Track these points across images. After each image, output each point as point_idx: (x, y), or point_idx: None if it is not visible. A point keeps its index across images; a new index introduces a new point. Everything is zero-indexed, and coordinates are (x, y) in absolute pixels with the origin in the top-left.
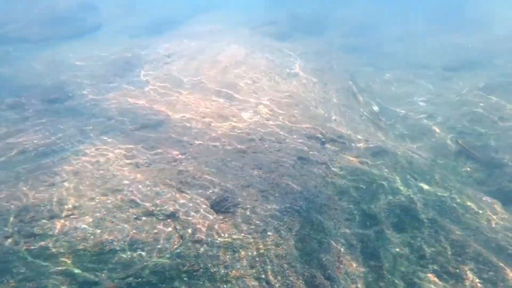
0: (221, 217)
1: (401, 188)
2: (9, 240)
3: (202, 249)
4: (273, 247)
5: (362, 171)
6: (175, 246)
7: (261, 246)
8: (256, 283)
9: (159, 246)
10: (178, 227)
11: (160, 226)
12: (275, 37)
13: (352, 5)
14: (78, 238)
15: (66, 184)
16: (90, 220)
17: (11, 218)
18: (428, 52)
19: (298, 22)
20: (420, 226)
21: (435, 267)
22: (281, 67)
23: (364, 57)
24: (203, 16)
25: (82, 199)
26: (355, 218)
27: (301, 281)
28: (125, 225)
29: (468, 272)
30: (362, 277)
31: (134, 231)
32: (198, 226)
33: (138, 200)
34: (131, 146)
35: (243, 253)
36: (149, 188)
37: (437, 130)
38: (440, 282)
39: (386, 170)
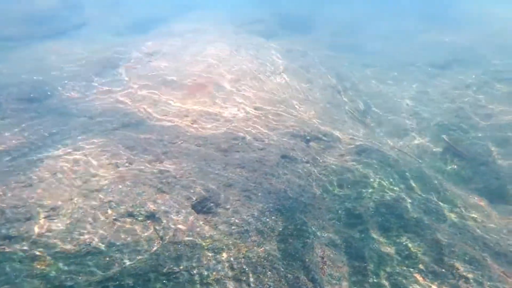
0: (202, 217)
1: (387, 186)
2: None
3: (182, 251)
4: (255, 248)
5: (347, 170)
6: (155, 248)
7: (242, 248)
8: (237, 285)
9: (138, 248)
10: (158, 228)
11: (140, 227)
12: (261, 35)
13: (340, 3)
14: (55, 240)
15: (43, 184)
16: (68, 221)
17: None
18: (415, 49)
19: (285, 20)
20: (405, 225)
21: (421, 267)
22: (266, 65)
23: (351, 55)
24: (188, 14)
25: (59, 200)
26: (340, 217)
27: (283, 283)
28: (104, 227)
29: (455, 271)
30: (347, 278)
31: (112, 232)
32: (179, 227)
33: (118, 201)
34: (111, 145)
35: (224, 254)
36: (128, 188)
37: (424, 128)
38: (426, 282)
39: (372, 168)
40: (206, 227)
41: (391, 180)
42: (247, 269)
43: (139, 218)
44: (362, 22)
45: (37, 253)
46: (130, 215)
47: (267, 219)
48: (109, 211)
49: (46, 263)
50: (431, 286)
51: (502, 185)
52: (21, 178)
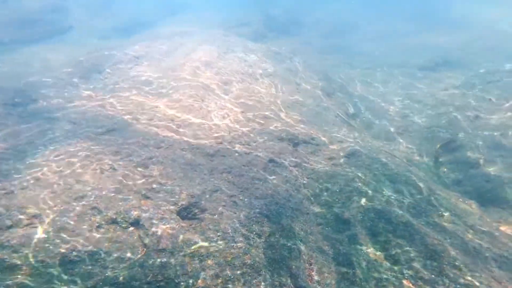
0: (187, 224)
1: (375, 190)
2: None
3: (166, 259)
4: (241, 255)
5: (335, 174)
6: (139, 256)
7: (228, 255)
8: None
9: (121, 256)
10: (142, 236)
11: (123, 235)
12: (249, 38)
13: (329, 5)
14: (37, 249)
15: (25, 191)
16: (50, 229)
17: None
18: (405, 51)
19: (273, 22)
20: (394, 230)
21: (410, 273)
22: (254, 67)
23: (340, 56)
24: (176, 17)
25: (42, 207)
26: (328, 222)
27: None
28: (87, 234)
29: (445, 277)
30: (334, 284)
31: (95, 240)
32: (163, 234)
33: (101, 208)
34: (96, 151)
35: (209, 262)
36: (113, 194)
37: (413, 130)
38: None
39: (360, 172)
40: (191, 234)
41: (380, 184)
42: (232, 277)
43: (123, 225)
44: (351, 23)
45: (18, 262)
46: (114, 222)
47: (254, 225)
48: (92, 218)
49: (27, 273)
50: None
51: (492, 188)
52: (2, 184)
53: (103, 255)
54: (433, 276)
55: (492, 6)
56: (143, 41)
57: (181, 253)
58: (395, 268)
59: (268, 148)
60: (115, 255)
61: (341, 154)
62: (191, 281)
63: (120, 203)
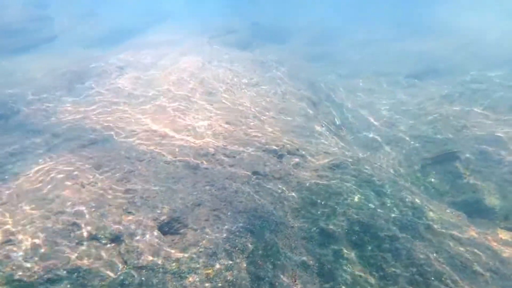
0: (169, 239)
1: (361, 203)
2: None
3: (147, 276)
4: (223, 271)
5: (320, 186)
6: (118, 273)
7: (210, 271)
8: None
9: (101, 274)
10: (122, 252)
11: (104, 251)
12: (235, 46)
13: (316, 13)
14: (14, 268)
15: (3, 207)
16: (29, 246)
17: None
18: (391, 59)
19: (259, 30)
20: (380, 244)
21: None
22: (240, 77)
23: (326, 64)
24: (161, 25)
25: (21, 223)
26: (313, 236)
27: None
28: (66, 251)
29: None
30: None
31: (75, 257)
32: (144, 250)
33: (81, 223)
34: (77, 164)
35: (190, 279)
36: (93, 209)
37: (400, 140)
38: None
39: (346, 184)
40: (173, 250)
41: (365, 196)
42: None
43: (103, 241)
44: (337, 31)
45: None
46: (94, 238)
47: (237, 240)
48: (72, 235)
49: None
50: None
51: (479, 198)
52: None
53: (82, 272)
54: None
55: (478, 13)
56: (128, 50)
57: (162, 270)
58: (381, 283)
59: (252, 160)
60: (95, 272)
61: (327, 165)
62: None
63: (101, 219)
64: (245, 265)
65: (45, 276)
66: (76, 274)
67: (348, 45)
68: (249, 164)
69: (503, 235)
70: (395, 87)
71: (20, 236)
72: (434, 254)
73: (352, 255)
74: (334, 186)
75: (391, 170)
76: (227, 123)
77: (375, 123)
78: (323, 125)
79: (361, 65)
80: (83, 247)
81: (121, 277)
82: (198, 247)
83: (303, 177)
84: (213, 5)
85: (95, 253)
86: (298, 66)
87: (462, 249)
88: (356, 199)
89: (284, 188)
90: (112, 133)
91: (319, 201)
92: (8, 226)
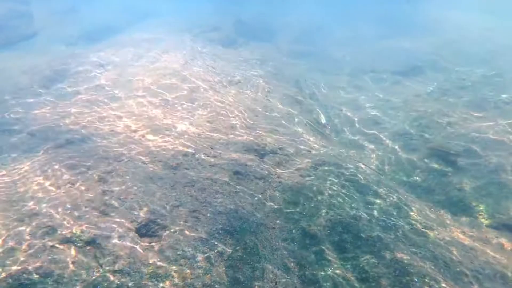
0: (146, 242)
1: (344, 202)
2: None
3: (122, 280)
4: (202, 275)
5: (303, 186)
6: (93, 277)
7: (188, 275)
8: None
9: (75, 278)
10: (98, 255)
11: (79, 255)
12: (219, 44)
13: (300, 10)
14: None
15: None
16: (0, 250)
17: None
18: (377, 56)
19: (244, 27)
20: (363, 245)
21: None
22: (222, 75)
23: (311, 62)
24: (144, 23)
25: None
26: (294, 238)
27: None
28: (40, 255)
29: None
30: None
31: (49, 261)
32: (120, 253)
33: (56, 226)
34: (53, 165)
35: (167, 283)
36: (69, 211)
37: (385, 138)
38: None
39: (329, 183)
40: (150, 253)
41: (349, 195)
42: None
43: (78, 245)
44: (323, 28)
45: None
46: (69, 241)
47: (216, 242)
48: (46, 238)
49: None
50: None
51: (464, 196)
52: None
53: (56, 277)
54: None
55: (464, 11)
56: (109, 48)
57: (139, 274)
58: (363, 286)
59: (234, 159)
60: (69, 277)
61: (309, 164)
62: None
63: (76, 221)
64: (223, 268)
65: (17, 281)
66: (49, 278)
67: (334, 42)
68: (230, 164)
69: (488, 234)
70: (380, 84)
71: None
72: (418, 255)
73: (334, 256)
74: (317, 186)
75: (375, 169)
76: (208, 122)
77: (360, 120)
78: (307, 123)
79: (347, 62)
80: (58, 251)
81: (96, 282)
82: (176, 250)
83: (286, 176)
84: (197, 2)
85: (69, 257)
86: (282, 64)
87: (446, 249)
88: (339, 199)
89: (265, 188)
90: (90, 132)
91: (301, 201)
92: None
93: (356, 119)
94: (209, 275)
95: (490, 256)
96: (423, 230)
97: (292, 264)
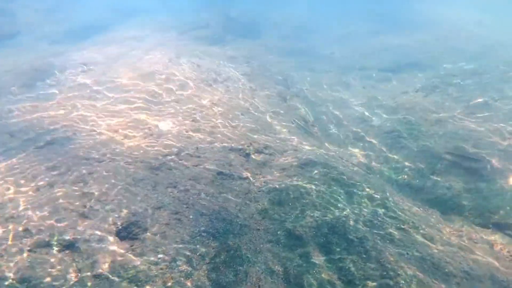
0: (127, 245)
1: (330, 203)
2: None
3: (101, 285)
4: (183, 279)
5: (289, 186)
6: (71, 282)
7: (168, 279)
8: None
9: (54, 283)
10: (77, 259)
11: (57, 259)
12: (207, 41)
13: (289, 6)
14: None
15: None
16: None
17: None
18: (367, 53)
19: (232, 25)
20: (349, 246)
21: None
22: (208, 73)
23: (300, 60)
24: (130, 21)
25: None
26: (279, 239)
27: None
28: (16, 259)
29: None
30: None
31: (26, 266)
32: (100, 257)
33: (33, 229)
34: (32, 166)
35: (148, 287)
36: (47, 214)
37: (372, 136)
38: None
39: (315, 183)
40: (130, 256)
41: (335, 195)
42: None
43: (57, 249)
44: (312, 26)
45: None
46: (47, 245)
47: (198, 245)
48: (24, 241)
49: None
50: None
51: (453, 195)
52: None
53: (33, 282)
54: None
55: (454, 7)
56: (93, 46)
57: (118, 279)
58: None
59: (218, 159)
60: (47, 282)
61: (295, 164)
62: None
63: (55, 224)
64: (206, 271)
65: None
66: (26, 284)
67: (324, 39)
68: (213, 164)
69: (477, 233)
70: (369, 81)
71: None
72: (405, 256)
73: (320, 258)
74: (303, 186)
75: (363, 167)
76: (192, 121)
77: (348, 118)
78: (293, 122)
79: (336, 60)
80: (35, 255)
81: (75, 286)
82: (157, 253)
83: (271, 176)
84: None
85: (47, 261)
86: (270, 61)
87: (434, 249)
88: (324, 199)
89: (250, 189)
90: (71, 133)
91: (286, 201)
92: None
93: (344, 117)
94: (190, 279)
95: (480, 256)
96: (411, 230)
97: (277, 266)
